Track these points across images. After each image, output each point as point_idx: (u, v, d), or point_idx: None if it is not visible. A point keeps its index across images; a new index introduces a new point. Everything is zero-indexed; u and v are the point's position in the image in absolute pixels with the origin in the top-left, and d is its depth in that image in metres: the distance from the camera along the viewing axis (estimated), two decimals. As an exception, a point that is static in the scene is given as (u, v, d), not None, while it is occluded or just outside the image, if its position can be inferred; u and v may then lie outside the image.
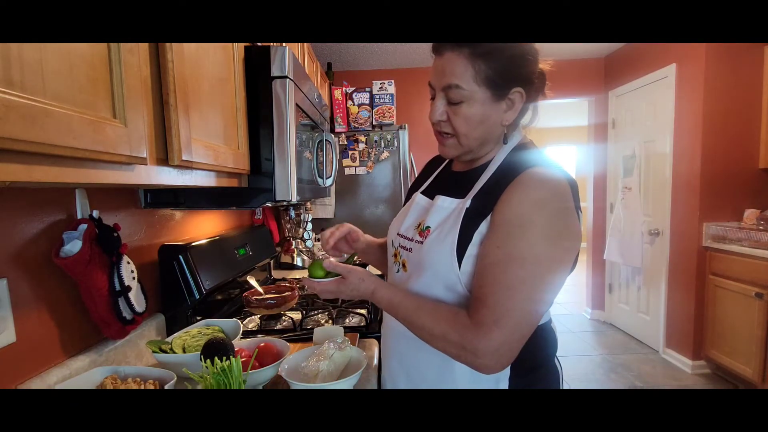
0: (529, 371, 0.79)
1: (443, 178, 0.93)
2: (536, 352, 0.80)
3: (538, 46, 0.78)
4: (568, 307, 4.63)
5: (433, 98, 0.80)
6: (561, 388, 0.87)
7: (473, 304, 0.71)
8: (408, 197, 0.99)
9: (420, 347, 0.79)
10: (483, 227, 0.73)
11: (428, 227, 0.80)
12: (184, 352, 1.00)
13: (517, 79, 0.75)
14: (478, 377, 0.76)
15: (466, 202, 0.77)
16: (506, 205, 0.71)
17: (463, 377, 0.78)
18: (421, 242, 0.80)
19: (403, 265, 0.86)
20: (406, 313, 0.76)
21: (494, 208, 0.72)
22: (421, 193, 0.91)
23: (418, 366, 0.84)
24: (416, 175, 1.04)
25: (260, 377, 0.92)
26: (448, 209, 0.80)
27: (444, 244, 0.76)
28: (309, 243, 2.47)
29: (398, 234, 0.89)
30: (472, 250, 0.74)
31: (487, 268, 0.71)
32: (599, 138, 4.04)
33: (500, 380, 0.78)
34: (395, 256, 0.89)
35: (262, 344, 1.00)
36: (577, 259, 0.76)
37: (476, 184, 0.79)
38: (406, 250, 0.85)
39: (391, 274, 0.92)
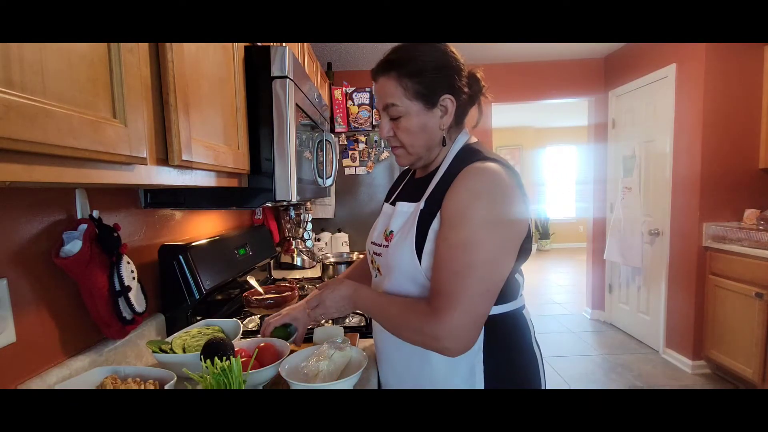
0: (504, 356, 0.85)
1: (407, 186, 1.01)
2: (506, 335, 0.86)
3: (461, 56, 0.86)
4: (568, 307, 4.63)
5: (380, 118, 0.90)
6: (540, 373, 0.91)
7: (430, 293, 0.79)
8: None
9: (400, 343, 0.85)
10: (435, 224, 0.81)
11: (392, 231, 0.90)
12: (184, 352, 1.00)
13: (443, 87, 0.83)
14: (454, 363, 0.83)
15: (421, 204, 0.85)
16: (449, 200, 0.79)
17: (439, 365, 0.85)
18: (387, 246, 0.89)
19: (378, 270, 0.95)
20: (380, 309, 0.85)
21: (441, 204, 0.80)
22: (389, 203, 1.00)
23: (400, 360, 0.91)
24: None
25: (260, 377, 0.92)
26: (407, 213, 0.89)
27: (405, 245, 0.84)
28: (309, 243, 2.47)
29: (372, 242, 0.98)
30: (428, 246, 0.82)
31: (437, 260, 0.79)
32: (599, 138, 4.04)
33: (475, 365, 0.83)
34: (372, 262, 0.98)
35: (262, 344, 1.00)
36: (529, 249, 0.84)
37: (429, 186, 0.87)
38: (378, 255, 0.94)
39: (372, 279, 1.00)
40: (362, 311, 0.90)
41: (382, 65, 0.85)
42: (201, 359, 0.87)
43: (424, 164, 0.93)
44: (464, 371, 0.83)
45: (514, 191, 0.78)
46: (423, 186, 0.89)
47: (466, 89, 0.86)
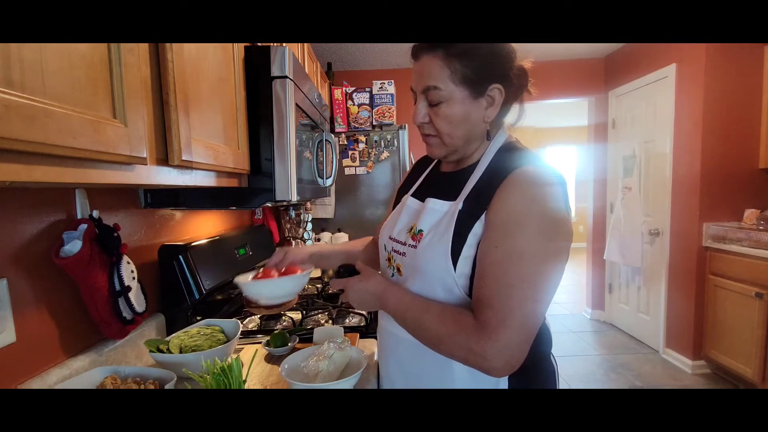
0: (527, 369, 0.78)
1: (432, 180, 0.93)
2: (533, 349, 0.80)
3: (516, 44, 0.79)
4: (568, 307, 4.63)
5: (416, 102, 0.82)
6: (557, 385, 0.87)
7: (477, 306, 0.71)
8: (397, 199, 0.99)
9: (420, 352, 0.79)
10: (477, 228, 0.74)
11: (421, 231, 0.81)
12: (181, 352, 1.00)
13: (494, 75, 0.76)
14: (477, 380, 0.77)
15: (459, 204, 0.77)
16: (500, 205, 0.72)
17: (462, 380, 0.78)
18: (415, 246, 0.81)
19: (398, 269, 0.86)
20: (414, 315, 0.76)
21: (488, 208, 0.73)
22: (412, 195, 0.91)
23: (417, 370, 0.84)
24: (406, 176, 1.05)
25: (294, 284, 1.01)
26: (440, 212, 0.80)
27: (438, 247, 0.76)
28: (309, 243, 2.47)
29: (390, 238, 0.89)
30: (467, 251, 0.74)
31: (487, 268, 0.71)
32: (599, 138, 4.04)
33: (500, 382, 0.78)
34: (389, 260, 0.89)
35: (285, 269, 1.06)
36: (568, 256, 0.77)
37: (466, 185, 0.79)
38: (400, 254, 0.85)
39: (386, 278, 0.92)
40: (390, 313, 0.80)
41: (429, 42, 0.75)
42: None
43: (458, 158, 0.85)
44: (489, 383, 0.78)
45: (563, 198, 0.74)
46: (458, 183, 0.81)
47: (514, 81, 0.79)
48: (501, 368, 0.68)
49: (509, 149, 0.81)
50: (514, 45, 0.79)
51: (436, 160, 0.96)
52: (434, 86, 0.75)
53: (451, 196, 0.80)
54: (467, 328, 0.70)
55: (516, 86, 0.80)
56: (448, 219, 0.77)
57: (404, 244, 0.84)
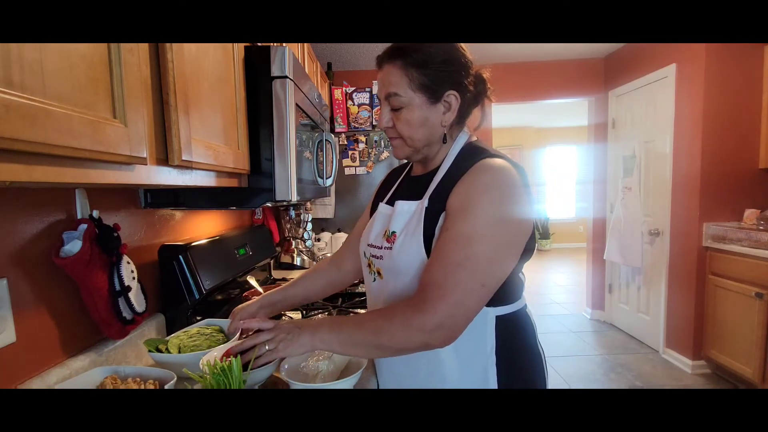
0: (512, 359, 0.83)
1: (404, 185, 0.97)
2: (517, 336, 0.85)
3: (470, 54, 0.85)
4: (568, 307, 4.63)
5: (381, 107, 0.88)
6: (545, 373, 0.90)
7: (421, 286, 0.75)
8: (373, 209, 1.02)
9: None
10: (442, 220, 0.79)
11: (394, 232, 0.85)
12: (179, 352, 1.00)
13: (449, 83, 0.82)
14: (467, 366, 0.81)
15: (425, 202, 0.82)
16: (455, 194, 0.77)
17: (452, 369, 0.82)
18: (390, 247, 0.85)
19: (379, 273, 0.89)
20: (352, 319, 0.77)
21: (448, 198, 0.78)
22: (385, 202, 0.95)
23: (407, 369, 0.87)
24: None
25: (256, 377, 0.92)
26: (409, 212, 0.85)
27: (412, 244, 0.80)
28: (309, 243, 2.47)
29: (368, 245, 0.92)
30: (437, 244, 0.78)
31: (436, 250, 0.76)
32: (599, 138, 4.04)
33: (488, 367, 0.81)
34: (369, 266, 0.93)
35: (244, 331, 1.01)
36: (532, 248, 0.82)
37: (431, 184, 0.85)
38: (377, 258, 0.89)
39: (368, 284, 0.95)
40: (327, 326, 0.76)
41: (389, 52, 0.82)
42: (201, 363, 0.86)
43: (422, 159, 0.90)
44: (478, 374, 0.81)
45: (521, 190, 0.77)
46: (424, 184, 0.87)
47: (471, 88, 0.84)
48: (438, 341, 0.71)
49: (471, 149, 0.86)
50: (469, 53, 0.85)
51: (408, 169, 1.01)
52: (395, 93, 0.81)
53: (417, 196, 0.85)
54: (405, 308, 0.72)
55: (474, 93, 0.86)
56: (416, 217, 0.82)
57: (380, 248, 0.88)
